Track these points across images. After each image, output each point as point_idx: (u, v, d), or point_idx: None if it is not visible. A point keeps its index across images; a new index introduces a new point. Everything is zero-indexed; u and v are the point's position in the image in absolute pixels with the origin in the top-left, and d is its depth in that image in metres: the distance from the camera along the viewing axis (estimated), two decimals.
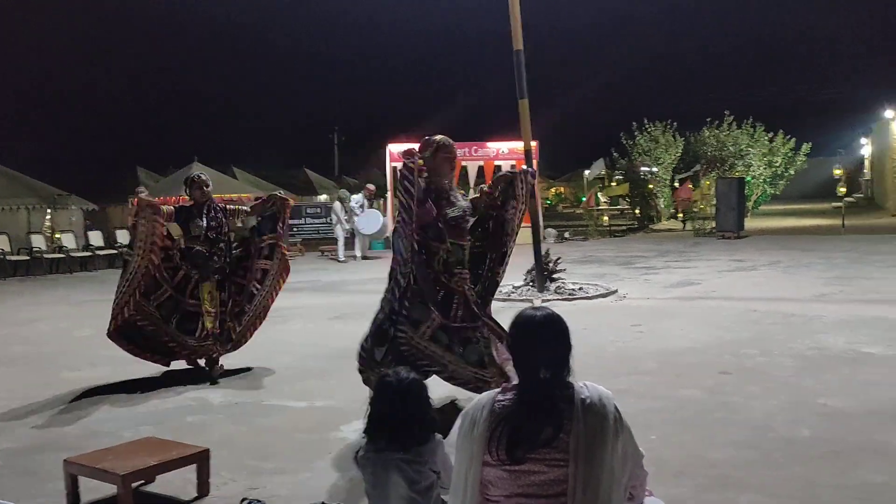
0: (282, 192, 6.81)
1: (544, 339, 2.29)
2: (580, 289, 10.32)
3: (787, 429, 4.44)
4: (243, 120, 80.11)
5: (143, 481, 3.71)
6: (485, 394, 2.36)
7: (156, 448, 3.79)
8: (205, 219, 6.12)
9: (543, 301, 9.71)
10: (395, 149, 20.43)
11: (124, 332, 5.82)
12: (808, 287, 10.21)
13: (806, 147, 27.66)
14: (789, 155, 27.48)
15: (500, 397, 2.30)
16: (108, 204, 22.67)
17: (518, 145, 13.49)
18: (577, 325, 7.91)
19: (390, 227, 19.11)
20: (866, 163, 40.49)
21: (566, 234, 21.33)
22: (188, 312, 6.06)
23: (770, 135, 27.33)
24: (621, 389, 5.35)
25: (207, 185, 6.25)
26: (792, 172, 27.84)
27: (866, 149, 39.54)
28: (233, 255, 6.30)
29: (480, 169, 20.96)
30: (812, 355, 6.27)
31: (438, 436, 2.77)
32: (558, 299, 9.80)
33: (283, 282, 6.38)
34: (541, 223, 19.44)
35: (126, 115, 69.17)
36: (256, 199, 6.95)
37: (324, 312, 9.61)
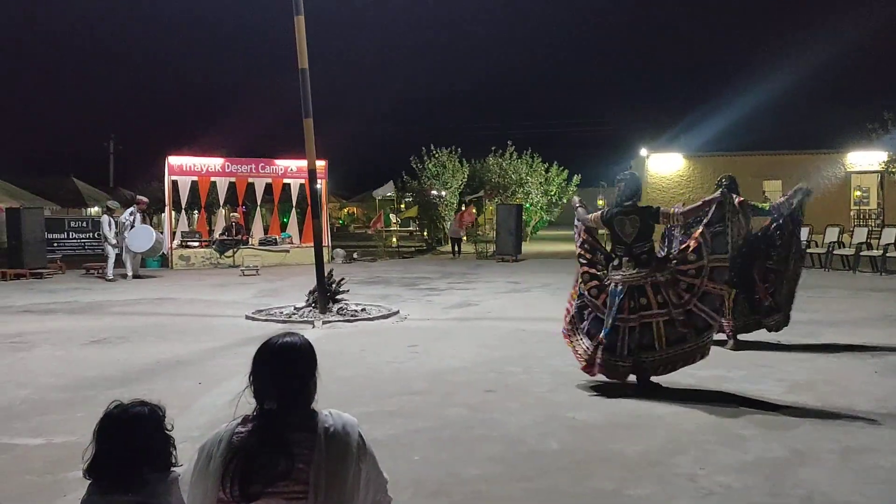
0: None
1: (277, 368, 2.25)
2: (363, 310, 10.36)
3: (537, 442, 4.73)
4: None
5: None
6: (224, 426, 2.26)
7: None
8: None
9: (325, 322, 9.63)
10: (175, 161, 19.37)
11: None
12: None
13: (577, 178, 30.42)
14: (562, 184, 30.02)
15: (239, 429, 2.23)
16: None
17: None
18: (356, 346, 8.03)
19: (167, 244, 18.00)
20: None
21: (355, 255, 21.43)
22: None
23: (546, 165, 29.68)
24: (392, 411, 5.42)
25: None
26: (565, 201, 30.35)
27: None
28: None
29: (268, 186, 20.53)
30: (568, 371, 6.74)
31: (175, 472, 2.57)
32: (340, 321, 9.76)
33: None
34: (328, 243, 19.46)
35: None
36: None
37: (78, 337, 8.71)
